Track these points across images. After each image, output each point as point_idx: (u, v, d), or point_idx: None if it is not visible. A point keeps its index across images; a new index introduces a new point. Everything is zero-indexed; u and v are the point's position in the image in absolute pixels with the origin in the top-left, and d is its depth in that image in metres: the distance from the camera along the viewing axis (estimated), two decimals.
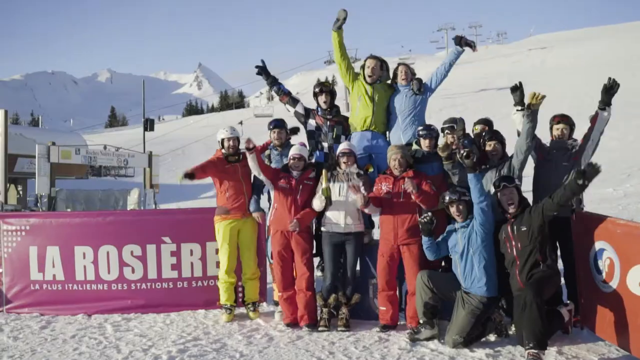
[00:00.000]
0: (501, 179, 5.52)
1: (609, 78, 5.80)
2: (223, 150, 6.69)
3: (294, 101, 6.97)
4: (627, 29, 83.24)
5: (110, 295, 7.01)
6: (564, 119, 6.12)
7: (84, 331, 6.31)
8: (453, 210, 5.68)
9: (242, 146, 6.45)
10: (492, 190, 5.56)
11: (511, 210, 5.43)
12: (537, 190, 6.03)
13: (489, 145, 6.10)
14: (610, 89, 5.79)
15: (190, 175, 6.26)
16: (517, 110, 6.32)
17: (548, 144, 6.15)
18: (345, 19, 6.69)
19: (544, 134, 6.10)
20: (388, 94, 6.73)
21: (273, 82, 7.06)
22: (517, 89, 6.28)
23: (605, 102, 5.83)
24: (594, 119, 5.93)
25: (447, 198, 5.69)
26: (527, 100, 5.79)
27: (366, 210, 6.09)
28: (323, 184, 6.06)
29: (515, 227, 5.39)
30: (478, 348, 5.37)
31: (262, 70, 7.06)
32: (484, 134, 6.35)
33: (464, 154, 5.50)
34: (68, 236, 7.10)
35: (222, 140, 6.71)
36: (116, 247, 6.99)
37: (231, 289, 6.70)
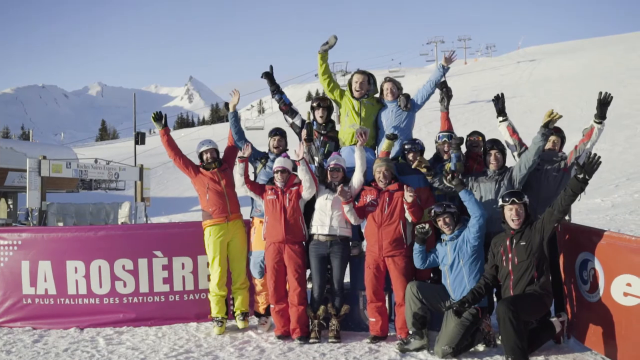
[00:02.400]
0: (511, 194, 5.43)
1: (601, 92, 5.87)
2: (203, 163, 6.81)
3: (293, 113, 7.06)
4: (615, 41, 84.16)
5: (102, 309, 7.03)
6: (556, 131, 6.21)
7: (76, 345, 6.33)
8: (440, 223, 5.78)
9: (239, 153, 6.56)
10: (500, 202, 5.47)
11: (514, 225, 5.37)
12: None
13: (490, 154, 6.09)
14: (604, 103, 5.87)
15: (159, 121, 6.70)
16: (501, 121, 6.42)
17: None
18: (334, 44, 6.81)
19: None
20: (376, 108, 6.84)
21: (276, 90, 7.12)
22: (498, 100, 6.39)
23: (601, 116, 5.91)
24: (589, 133, 6.02)
25: (433, 212, 5.80)
26: (543, 119, 5.80)
27: (347, 213, 6.15)
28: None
29: (514, 241, 5.36)
30: (467, 358, 5.44)
31: (268, 77, 7.12)
32: (486, 143, 6.29)
33: (449, 177, 5.70)
34: (60, 251, 7.11)
35: (201, 153, 6.82)
36: (108, 262, 7.01)
37: (222, 301, 6.71)
